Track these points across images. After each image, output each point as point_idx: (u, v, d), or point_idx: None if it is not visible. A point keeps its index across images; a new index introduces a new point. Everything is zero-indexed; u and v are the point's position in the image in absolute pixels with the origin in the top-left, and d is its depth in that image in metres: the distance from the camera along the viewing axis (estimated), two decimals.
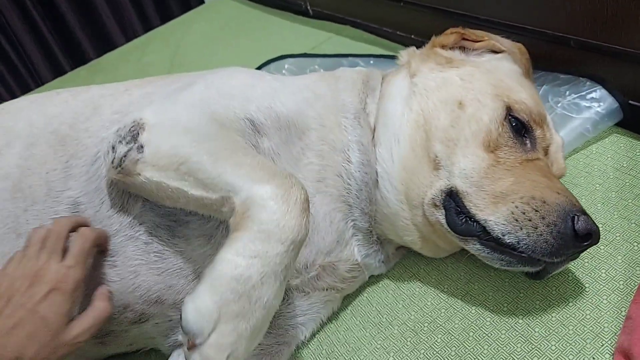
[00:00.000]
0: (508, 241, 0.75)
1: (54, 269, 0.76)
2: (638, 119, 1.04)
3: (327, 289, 0.93)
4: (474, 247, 0.80)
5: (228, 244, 0.68)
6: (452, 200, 0.81)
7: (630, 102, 1.05)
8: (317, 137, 0.89)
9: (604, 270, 0.84)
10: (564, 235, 0.73)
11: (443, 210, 0.82)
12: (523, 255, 0.75)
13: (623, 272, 0.83)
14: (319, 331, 0.96)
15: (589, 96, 1.03)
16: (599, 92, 1.03)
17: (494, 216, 0.76)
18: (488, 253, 0.79)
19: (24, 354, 0.69)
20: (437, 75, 0.92)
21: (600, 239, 0.86)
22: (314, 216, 0.86)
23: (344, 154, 0.90)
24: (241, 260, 0.66)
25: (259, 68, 1.62)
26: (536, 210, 0.74)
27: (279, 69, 1.56)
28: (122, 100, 0.96)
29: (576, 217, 0.74)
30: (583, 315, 0.80)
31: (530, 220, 0.74)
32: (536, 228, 0.74)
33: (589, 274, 0.85)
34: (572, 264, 0.87)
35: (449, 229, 0.81)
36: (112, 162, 0.79)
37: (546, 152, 0.87)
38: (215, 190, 0.73)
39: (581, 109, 1.03)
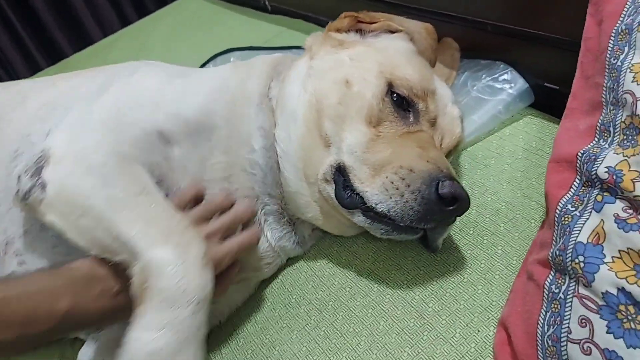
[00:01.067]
0: (380, 210, 0.78)
1: (216, 248, 0.79)
2: (553, 101, 1.05)
3: (240, 280, 0.95)
4: (358, 218, 0.83)
5: (135, 320, 0.67)
6: (341, 175, 0.84)
7: (545, 84, 1.06)
8: (224, 134, 0.90)
9: (500, 247, 0.86)
10: (428, 200, 0.75)
11: (333, 185, 0.85)
12: (397, 223, 0.78)
13: (517, 248, 0.85)
14: (234, 315, 0.98)
15: (501, 78, 1.05)
16: (510, 74, 1.04)
17: (369, 187, 0.79)
18: (370, 223, 0.82)
19: None
20: (331, 57, 0.95)
21: (501, 217, 0.90)
22: None
23: (247, 145, 0.91)
24: (150, 334, 0.65)
25: (206, 62, 1.64)
26: (402, 179, 0.77)
27: (226, 62, 1.58)
28: (47, 93, 0.97)
29: (441, 182, 0.76)
30: (475, 290, 0.82)
31: (397, 188, 0.77)
32: (402, 195, 0.76)
33: (486, 251, 0.87)
34: (472, 241, 0.89)
35: (337, 203, 0.84)
36: (17, 193, 0.78)
37: (433, 124, 0.89)
38: (117, 252, 0.72)
39: (494, 91, 1.04)
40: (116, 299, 0.74)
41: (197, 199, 0.87)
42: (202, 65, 1.64)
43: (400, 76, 0.88)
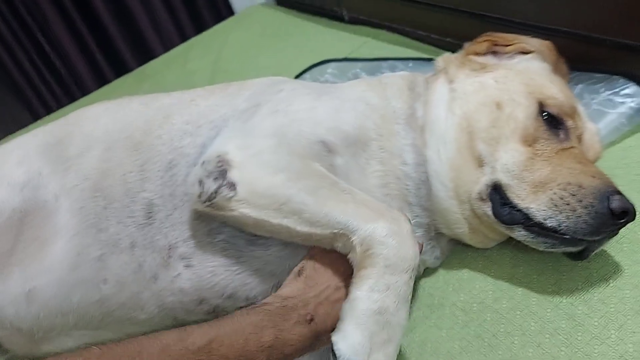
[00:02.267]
0: (550, 225, 0.83)
1: None
2: None
3: None
4: (519, 233, 0.88)
5: (359, 281, 0.77)
6: (497, 193, 0.90)
7: None
8: (377, 146, 0.97)
9: None
10: (601, 215, 0.81)
11: (489, 203, 0.90)
12: (565, 236, 0.83)
13: None
14: None
15: (622, 92, 1.10)
16: (632, 88, 1.09)
17: (534, 204, 0.84)
18: (533, 238, 0.87)
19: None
20: (474, 80, 1.00)
21: (638, 225, 0.94)
22: None
23: (400, 157, 0.98)
24: (376, 295, 0.75)
25: (303, 73, 1.71)
26: (573, 195, 0.82)
27: (322, 73, 1.65)
28: (190, 110, 1.05)
29: (611, 197, 0.81)
30: (623, 294, 0.87)
31: (568, 204, 0.82)
32: (574, 210, 0.82)
33: (628, 257, 0.91)
34: (611, 247, 0.93)
35: (496, 220, 0.89)
36: (200, 197, 0.86)
37: (580, 139, 0.95)
38: (325, 228, 0.81)
39: (615, 105, 1.10)
40: (311, 325, 0.80)
41: None
42: (298, 76, 1.71)
43: (549, 95, 0.94)
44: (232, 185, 0.84)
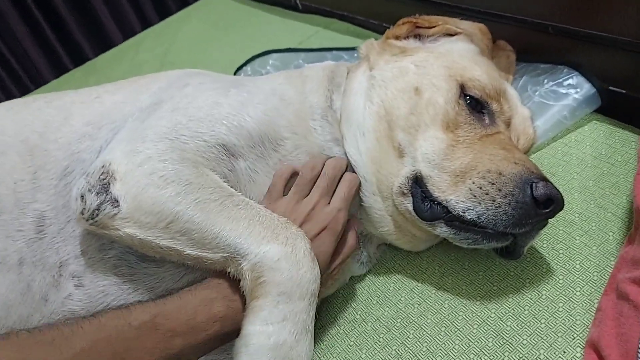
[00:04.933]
0: (469, 217, 0.75)
1: (326, 210, 0.83)
2: (618, 105, 1.01)
3: None
4: (441, 230, 0.80)
5: (251, 314, 0.70)
6: (418, 187, 0.81)
7: (610, 88, 1.02)
8: (291, 145, 0.89)
9: (578, 262, 0.83)
10: (522, 204, 0.73)
11: (410, 198, 0.82)
12: (487, 230, 0.75)
13: (597, 263, 0.81)
14: None
15: (565, 83, 1.01)
16: (575, 79, 1.00)
17: (454, 195, 0.76)
18: (455, 234, 0.79)
19: None
20: (393, 66, 0.92)
21: (576, 229, 0.86)
22: None
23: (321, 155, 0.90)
24: (271, 328, 0.68)
25: (244, 65, 1.61)
26: (492, 183, 0.74)
27: (264, 65, 1.55)
28: (93, 109, 0.95)
29: (534, 184, 0.73)
30: (555, 308, 0.79)
31: (487, 194, 0.74)
32: (494, 201, 0.74)
33: (563, 265, 0.83)
34: (546, 254, 0.85)
35: (417, 216, 0.81)
36: (82, 213, 0.76)
37: (509, 124, 0.87)
38: (215, 251, 0.74)
39: (559, 96, 1.01)
40: None
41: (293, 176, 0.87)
42: (240, 68, 1.61)
43: (470, 77, 0.86)
44: (115, 201, 0.74)
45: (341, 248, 0.84)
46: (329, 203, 0.85)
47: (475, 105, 0.85)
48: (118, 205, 0.74)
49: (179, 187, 0.75)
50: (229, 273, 0.75)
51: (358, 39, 1.64)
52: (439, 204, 0.78)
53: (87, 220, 0.76)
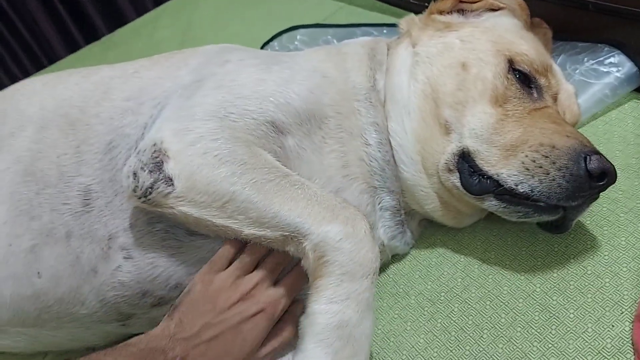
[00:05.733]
0: (522, 190, 0.75)
1: (268, 292, 0.78)
2: None
3: None
4: (490, 203, 0.80)
5: (315, 293, 0.70)
6: (465, 162, 0.82)
7: None
8: (335, 124, 0.88)
9: (623, 238, 0.84)
10: (577, 177, 0.73)
11: (457, 174, 0.82)
12: (539, 203, 0.76)
13: None
14: None
15: (607, 61, 1.01)
16: (617, 57, 1.01)
17: (505, 169, 0.77)
18: (505, 207, 0.79)
19: None
20: (438, 41, 0.92)
21: (620, 206, 0.87)
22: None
23: (361, 137, 0.90)
24: (336, 306, 0.68)
25: (270, 40, 1.60)
26: (546, 157, 0.74)
27: (291, 40, 1.54)
28: (131, 84, 0.94)
29: (588, 157, 0.73)
30: (602, 283, 0.80)
31: (541, 167, 0.74)
32: (548, 174, 0.74)
33: (608, 242, 0.84)
34: (592, 230, 0.86)
35: (465, 191, 0.81)
36: (135, 191, 0.76)
37: (555, 99, 0.87)
38: (275, 230, 0.73)
39: (600, 75, 1.01)
40: None
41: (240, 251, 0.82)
42: (266, 43, 1.60)
43: (519, 52, 0.86)
44: (169, 180, 0.74)
45: (273, 337, 0.79)
46: (274, 285, 0.80)
47: (524, 80, 0.85)
48: (172, 184, 0.74)
49: (234, 167, 0.74)
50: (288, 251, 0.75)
51: (384, 15, 1.63)
52: (489, 177, 0.79)
53: (140, 197, 0.76)
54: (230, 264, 0.80)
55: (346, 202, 0.77)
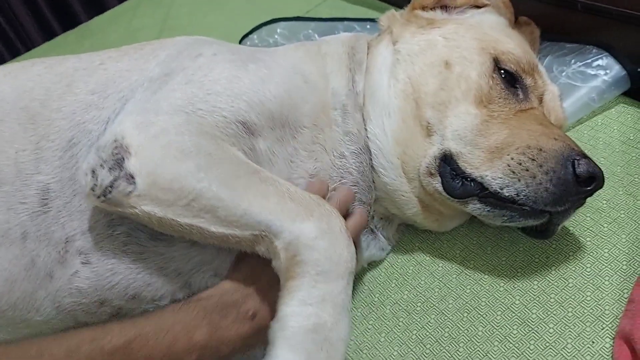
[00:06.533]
0: (507, 194, 0.72)
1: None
2: None
3: None
4: (474, 207, 0.77)
5: (287, 295, 0.65)
6: (447, 165, 0.78)
7: (639, 70, 0.99)
8: (310, 136, 0.84)
9: (606, 250, 0.81)
10: (564, 181, 0.71)
11: (439, 178, 0.79)
12: (524, 208, 0.73)
13: (626, 252, 0.79)
14: None
15: (594, 64, 0.98)
16: (605, 60, 0.97)
17: (490, 171, 0.74)
18: (489, 211, 0.76)
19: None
20: (420, 39, 0.88)
21: (604, 217, 0.84)
22: None
23: (335, 152, 0.85)
24: (310, 309, 0.64)
25: (250, 33, 1.55)
26: (533, 159, 0.72)
27: (271, 34, 1.49)
28: (97, 77, 0.89)
29: (576, 161, 0.71)
30: (583, 297, 0.77)
31: (527, 170, 0.72)
32: (534, 177, 0.71)
33: (591, 253, 0.81)
34: (573, 242, 0.83)
35: (447, 195, 0.78)
36: (93, 190, 0.72)
37: (541, 100, 0.84)
38: (244, 228, 0.69)
39: (587, 78, 0.97)
40: (253, 322, 0.71)
41: None
42: (245, 36, 1.55)
43: (504, 50, 0.83)
44: (131, 177, 0.69)
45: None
46: None
47: (510, 79, 0.82)
48: (134, 182, 0.69)
49: (200, 160, 0.70)
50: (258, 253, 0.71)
51: (368, 9, 1.59)
52: (472, 180, 0.76)
53: (99, 197, 0.72)
54: None
55: (320, 199, 0.73)
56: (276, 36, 1.47)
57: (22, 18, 2.82)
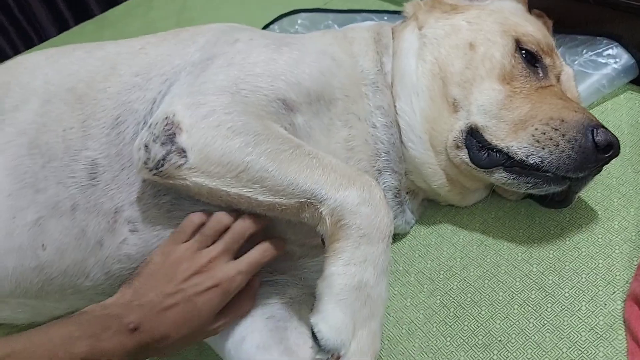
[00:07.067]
0: (532, 162, 0.79)
1: (225, 268, 0.78)
2: None
3: None
4: (500, 176, 0.83)
5: (333, 256, 0.71)
6: (473, 137, 0.85)
7: None
8: (342, 107, 0.90)
9: (616, 222, 0.87)
10: (585, 148, 0.77)
11: (465, 150, 0.86)
12: (548, 174, 0.79)
13: (635, 223, 0.86)
14: None
15: (605, 53, 1.04)
16: (615, 49, 1.04)
17: (515, 141, 0.81)
18: (514, 179, 0.83)
19: (170, 335, 0.73)
20: (445, 23, 0.95)
21: (614, 192, 0.90)
22: None
23: (367, 121, 0.92)
24: (354, 268, 0.70)
25: (271, 23, 1.61)
26: (556, 129, 0.78)
27: (292, 24, 1.55)
28: (139, 60, 0.95)
29: (595, 130, 0.78)
30: (596, 264, 0.83)
31: (551, 139, 0.78)
32: (557, 145, 0.78)
33: (602, 225, 0.87)
34: (587, 214, 0.89)
35: (474, 166, 0.85)
36: (146, 164, 0.77)
37: (558, 79, 0.91)
38: (290, 197, 0.74)
39: (598, 66, 1.04)
40: (134, 334, 0.71)
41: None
42: (266, 26, 1.61)
43: (525, 33, 0.89)
44: (182, 152, 0.75)
45: (229, 311, 0.80)
46: (233, 259, 0.80)
47: (530, 59, 0.88)
48: (185, 156, 0.75)
49: (248, 138, 0.75)
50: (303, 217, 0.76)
51: (384, 1, 1.64)
52: (498, 151, 0.82)
53: (151, 170, 0.77)
54: (193, 236, 0.80)
55: (360, 171, 0.79)
56: (297, 26, 1.53)
57: (35, 8, 2.86)
